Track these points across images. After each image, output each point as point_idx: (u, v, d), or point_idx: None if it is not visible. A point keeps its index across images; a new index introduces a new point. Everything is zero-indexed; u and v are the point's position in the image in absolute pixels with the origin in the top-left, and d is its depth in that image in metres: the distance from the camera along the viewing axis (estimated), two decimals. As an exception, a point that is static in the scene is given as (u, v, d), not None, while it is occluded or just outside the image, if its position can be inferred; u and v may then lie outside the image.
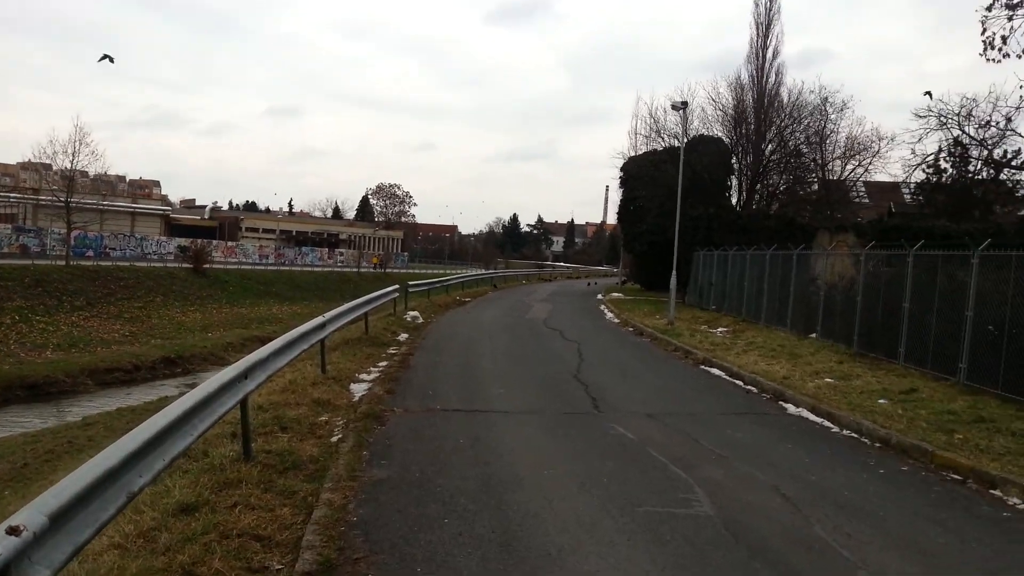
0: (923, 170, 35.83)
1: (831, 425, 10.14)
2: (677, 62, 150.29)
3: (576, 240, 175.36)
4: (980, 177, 33.72)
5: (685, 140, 26.96)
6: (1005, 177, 33.55)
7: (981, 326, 12.10)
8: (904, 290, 14.94)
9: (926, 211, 35.92)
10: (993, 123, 24.99)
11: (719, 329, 22.83)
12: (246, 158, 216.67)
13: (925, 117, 27.59)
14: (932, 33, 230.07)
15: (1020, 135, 25.15)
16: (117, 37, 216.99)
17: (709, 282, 29.81)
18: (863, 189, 43.95)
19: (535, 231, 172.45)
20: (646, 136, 50.49)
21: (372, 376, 12.93)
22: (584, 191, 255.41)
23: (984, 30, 22.04)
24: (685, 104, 23.42)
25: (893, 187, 44.30)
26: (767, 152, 36.40)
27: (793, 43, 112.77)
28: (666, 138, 39.80)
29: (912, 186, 36.61)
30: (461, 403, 10.64)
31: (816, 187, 38.50)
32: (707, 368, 15.02)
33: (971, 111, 26.02)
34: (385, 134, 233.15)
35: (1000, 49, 22.30)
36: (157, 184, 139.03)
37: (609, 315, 28.96)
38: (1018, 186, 33.62)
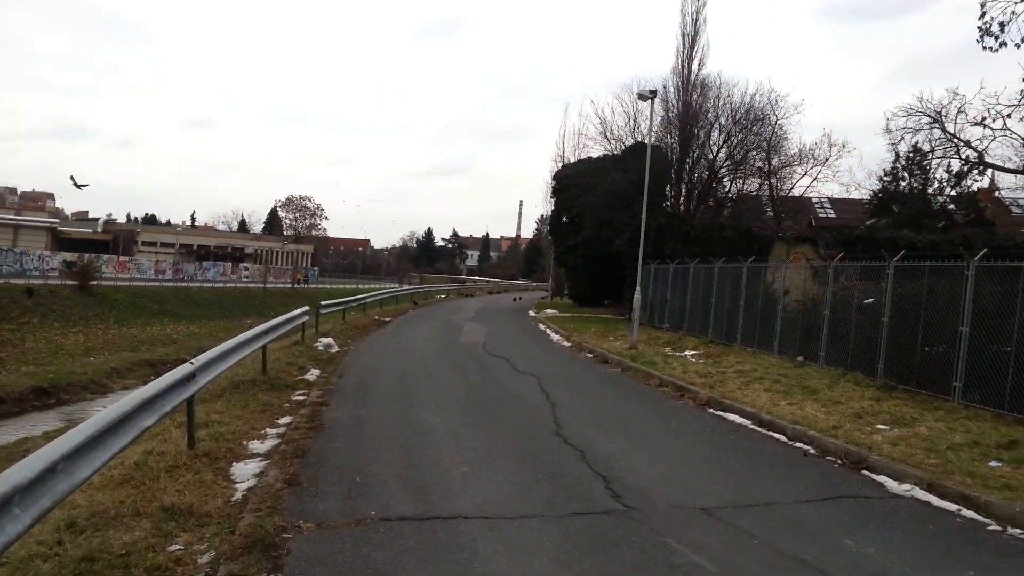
0: (880, 179, 33.98)
1: (974, 515, 6.70)
2: (600, 80, 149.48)
3: (491, 254, 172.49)
4: (941, 186, 31.93)
5: (651, 135, 23.55)
6: (963, 188, 31.85)
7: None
8: (961, 311, 11.82)
9: (882, 221, 33.91)
10: (986, 123, 22.55)
11: (688, 352, 19.53)
12: (156, 171, 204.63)
13: (914, 115, 25.02)
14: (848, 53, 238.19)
15: (1017, 135, 22.75)
16: (20, 44, 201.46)
17: (663, 298, 26.61)
18: (818, 199, 42.03)
19: (450, 245, 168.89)
20: (575, 146, 47.57)
21: (267, 446, 8.82)
22: (500, 206, 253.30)
23: (983, 14, 19.73)
24: (654, 93, 20.11)
25: (853, 202, 42.61)
26: (717, 159, 33.60)
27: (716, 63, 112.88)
28: (612, 141, 36.51)
29: (870, 196, 34.59)
30: (409, 501, 6.69)
31: (767, 196, 36.01)
32: (720, 413, 11.49)
33: (962, 107, 23.59)
34: (302, 147, 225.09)
35: (998, 37, 20.04)
36: (51, 196, 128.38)
37: (555, 336, 25.31)
38: (974, 199, 31.89)
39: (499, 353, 19.00)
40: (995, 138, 24.16)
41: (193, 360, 8.24)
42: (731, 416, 11.15)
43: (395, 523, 6.08)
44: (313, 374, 14.42)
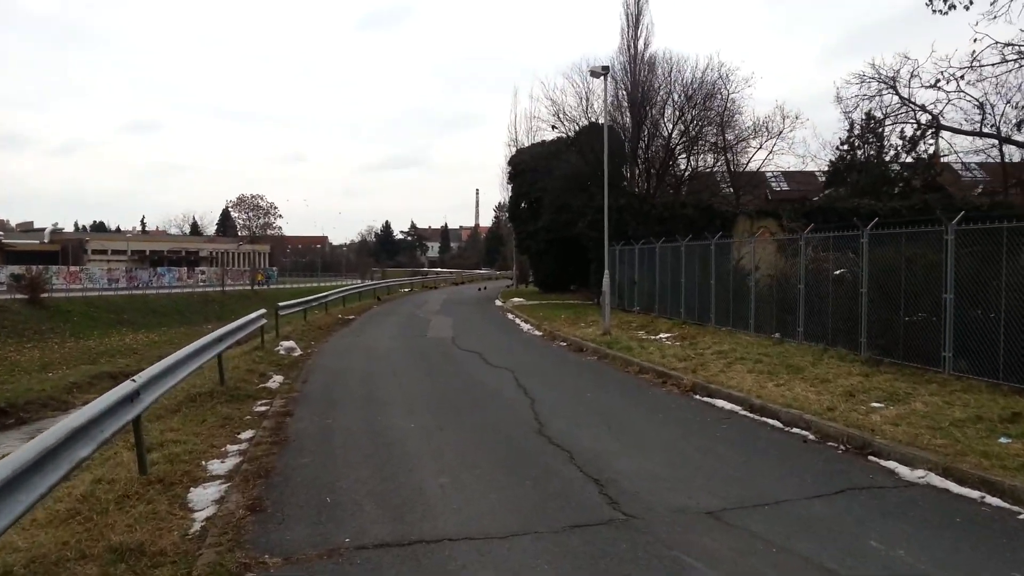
0: (836, 148, 33.93)
1: (1000, 502, 6.25)
2: (548, 63, 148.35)
3: (451, 245, 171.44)
4: (896, 153, 31.91)
5: (607, 113, 22.94)
6: (918, 154, 31.87)
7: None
8: (944, 277, 11.46)
9: (840, 191, 33.88)
10: (940, 84, 22.37)
11: (662, 335, 19.09)
12: (100, 177, 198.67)
13: (866, 81, 24.78)
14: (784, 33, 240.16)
15: (971, 97, 22.62)
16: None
17: (632, 280, 26.18)
18: (771, 173, 41.97)
19: (409, 238, 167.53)
20: (527, 130, 46.79)
21: (228, 465, 8.08)
22: (457, 196, 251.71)
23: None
24: (606, 69, 19.50)
25: (806, 175, 42.54)
26: (672, 136, 33.18)
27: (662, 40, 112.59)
28: (566, 123, 35.87)
29: (826, 166, 34.58)
30: (386, 523, 6.02)
31: (725, 171, 35.77)
32: (707, 400, 10.99)
33: (914, 71, 23.41)
34: (252, 146, 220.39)
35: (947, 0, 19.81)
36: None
37: (525, 326, 24.71)
38: (930, 163, 31.93)
39: (470, 347, 18.34)
40: (949, 101, 24.13)
41: (135, 377, 7.45)
42: (719, 402, 10.65)
43: (372, 551, 5.43)
44: (275, 381, 13.63)
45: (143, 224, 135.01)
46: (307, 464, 7.86)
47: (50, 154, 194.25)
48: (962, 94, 22.51)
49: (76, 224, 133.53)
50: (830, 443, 8.32)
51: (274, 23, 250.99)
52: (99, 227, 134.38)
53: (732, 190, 37.06)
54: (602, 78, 19.87)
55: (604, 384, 12.80)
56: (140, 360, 35.78)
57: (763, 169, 37.18)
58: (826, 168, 37.57)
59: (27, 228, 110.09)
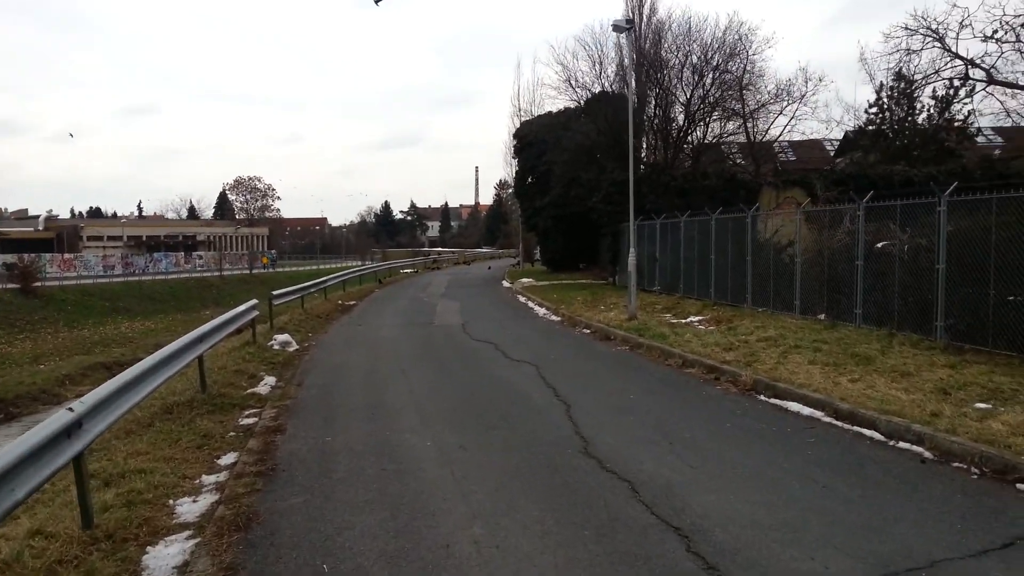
0: (865, 111, 31.93)
1: None
2: (547, 38, 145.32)
3: (452, 224, 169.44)
4: (929, 115, 29.94)
5: (633, 72, 20.99)
6: (951, 114, 29.87)
7: None
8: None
9: (870, 158, 31.92)
10: (996, 37, 20.40)
11: (692, 319, 17.38)
12: (98, 163, 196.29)
13: (911, 34, 22.76)
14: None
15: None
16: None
17: (652, 257, 24.40)
18: (777, 144, 39.93)
19: (408, 217, 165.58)
20: (531, 101, 44.69)
21: (200, 507, 6.41)
22: (456, 174, 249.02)
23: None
24: (631, 23, 17.54)
25: (810, 143, 40.50)
26: (692, 102, 31.13)
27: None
28: (578, 90, 33.87)
29: (852, 130, 32.59)
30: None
31: (738, 142, 33.78)
32: (776, 402, 9.25)
33: (963, 20, 21.43)
34: (249, 128, 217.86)
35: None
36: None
37: (539, 310, 22.97)
38: (966, 124, 29.92)
39: (483, 336, 16.62)
40: (1002, 54, 22.17)
41: (74, 405, 5.73)
42: (792, 405, 8.92)
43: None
44: (267, 384, 11.93)
45: (140, 209, 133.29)
46: (299, 507, 6.17)
47: (46, 140, 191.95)
48: (1021, 44, 20.48)
49: (72, 211, 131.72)
50: (955, 464, 6.60)
51: (270, 3, 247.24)
52: (95, 213, 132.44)
53: (745, 160, 35.12)
54: (625, 34, 17.94)
55: (646, 382, 11.07)
56: (136, 349, 34.43)
57: (782, 138, 35.13)
58: (842, 136, 35.58)
59: (21, 216, 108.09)
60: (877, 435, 7.51)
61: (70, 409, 5.61)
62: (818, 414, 8.41)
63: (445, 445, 7.84)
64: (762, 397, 9.55)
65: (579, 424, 8.46)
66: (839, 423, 8.06)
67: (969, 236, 11.33)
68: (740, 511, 5.64)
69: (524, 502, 6.03)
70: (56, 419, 5.48)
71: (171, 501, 6.60)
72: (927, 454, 6.87)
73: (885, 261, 13.47)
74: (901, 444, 7.20)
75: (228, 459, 7.85)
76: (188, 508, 6.46)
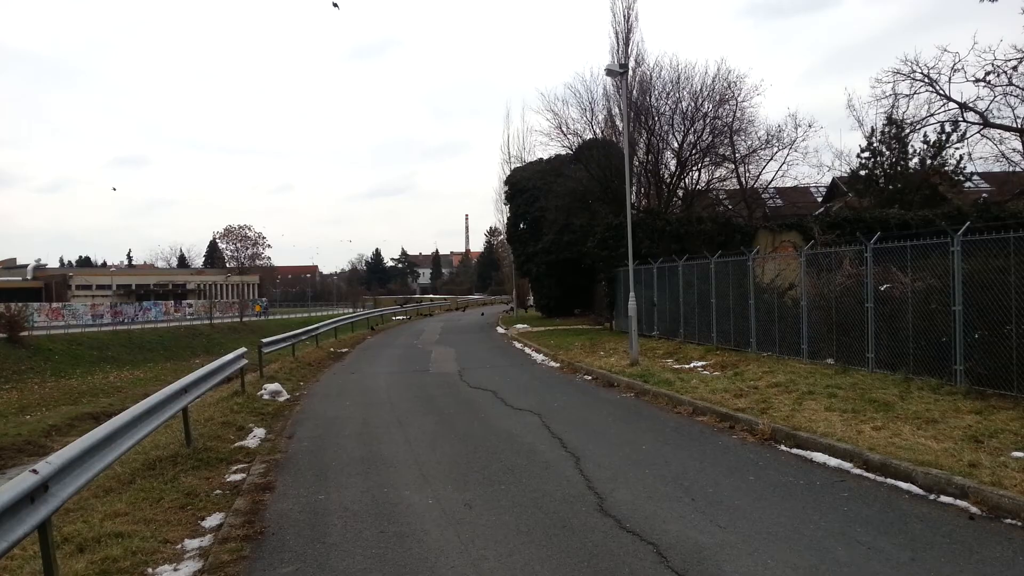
0: (858, 155, 31.92)
1: None
2: (534, 89, 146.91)
3: (443, 270, 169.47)
4: (921, 159, 29.96)
5: (627, 115, 20.77)
6: (943, 158, 29.93)
7: None
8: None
9: (863, 202, 31.83)
10: (988, 80, 20.38)
11: (696, 364, 16.86)
12: (88, 214, 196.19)
13: (903, 79, 22.75)
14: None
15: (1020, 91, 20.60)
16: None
17: (650, 302, 23.94)
18: (764, 190, 39.87)
19: (399, 265, 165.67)
20: (520, 148, 44.74)
21: (180, 579, 5.81)
22: (446, 222, 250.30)
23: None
24: (624, 67, 17.34)
25: (797, 189, 40.47)
26: (683, 147, 31.07)
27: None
28: (568, 136, 33.78)
29: (839, 177, 32.52)
30: None
31: (736, 185, 33.67)
32: (798, 452, 8.70)
33: (954, 64, 21.43)
34: (240, 178, 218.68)
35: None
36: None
37: (537, 356, 22.39)
38: (959, 168, 29.94)
39: (481, 384, 16.04)
40: (994, 99, 22.14)
41: (39, 466, 5.14)
42: (816, 456, 8.37)
43: None
44: (256, 437, 11.31)
45: (129, 258, 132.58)
46: (290, 577, 5.57)
47: (37, 191, 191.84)
48: (1012, 88, 20.44)
49: (62, 260, 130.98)
50: (1007, 520, 6.07)
51: (261, 57, 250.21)
52: (84, 262, 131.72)
53: (736, 205, 34.97)
54: (618, 77, 17.76)
55: (657, 432, 10.50)
56: (124, 399, 33.66)
57: (772, 184, 35.06)
58: (830, 182, 35.59)
59: (10, 265, 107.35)
60: (915, 488, 6.97)
61: (34, 471, 5.04)
62: (846, 465, 7.87)
63: (448, 503, 7.24)
64: (783, 447, 9.00)
65: (591, 478, 7.88)
66: (870, 475, 7.51)
67: (984, 277, 10.93)
68: (780, 579, 5.07)
69: (540, 569, 5.44)
70: (18, 482, 4.91)
71: (150, 570, 6.01)
72: (974, 509, 6.33)
73: (895, 304, 13.06)
74: (943, 498, 6.66)
75: (213, 520, 7.24)
76: (167, 579, 5.85)
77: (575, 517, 6.60)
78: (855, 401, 10.87)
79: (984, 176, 36.30)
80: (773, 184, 35.69)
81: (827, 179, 37.77)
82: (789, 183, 35.66)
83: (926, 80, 23.03)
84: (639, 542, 5.91)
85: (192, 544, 6.60)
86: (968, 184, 35.20)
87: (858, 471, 7.68)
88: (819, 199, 41.39)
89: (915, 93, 24.06)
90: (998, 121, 22.90)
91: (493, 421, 11.72)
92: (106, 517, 7.29)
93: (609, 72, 17.14)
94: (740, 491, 7.25)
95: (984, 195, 35.72)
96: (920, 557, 5.38)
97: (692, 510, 6.69)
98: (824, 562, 5.35)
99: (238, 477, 8.85)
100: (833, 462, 8.02)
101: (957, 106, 23.24)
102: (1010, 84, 20.71)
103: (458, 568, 5.54)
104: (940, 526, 6.02)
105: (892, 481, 7.25)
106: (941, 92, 23.11)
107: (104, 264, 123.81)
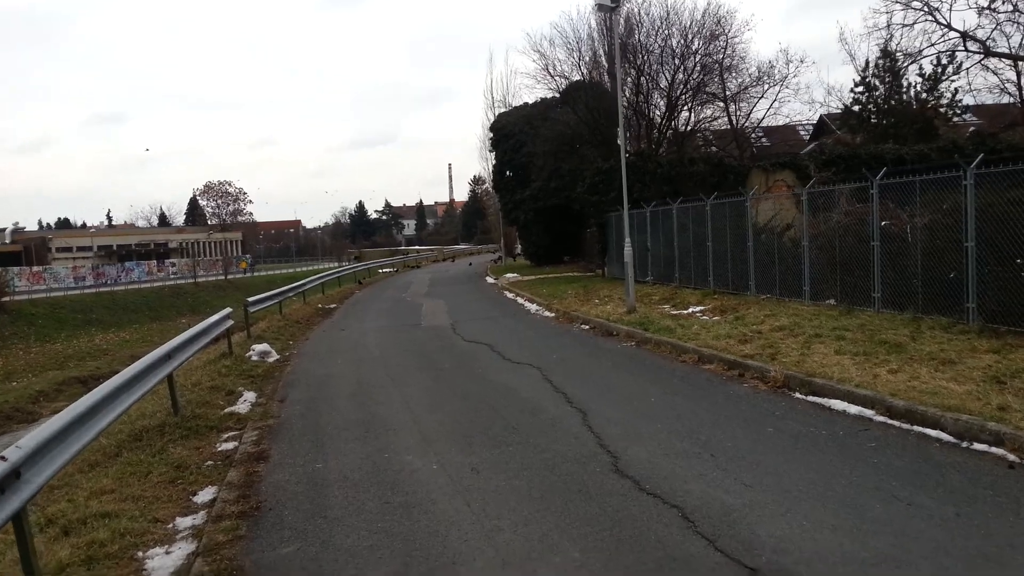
0: (851, 90, 31.24)
1: None
2: (521, 29, 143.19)
3: (428, 221, 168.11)
4: (916, 92, 29.34)
5: (618, 52, 20.02)
6: (939, 92, 29.33)
7: None
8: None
9: (856, 138, 31.26)
10: (994, 7, 19.70)
11: (694, 309, 16.52)
12: (66, 174, 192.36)
13: (901, 8, 22.01)
14: None
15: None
16: None
17: (643, 247, 23.49)
18: (751, 129, 39.20)
19: (384, 217, 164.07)
20: (504, 94, 43.72)
21: (174, 561, 5.42)
22: (430, 171, 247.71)
23: None
24: (616, 2, 16.52)
25: (784, 128, 39.78)
26: (674, 86, 30.27)
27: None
28: (556, 78, 32.89)
29: (841, 110, 31.83)
30: None
31: (727, 122, 33.00)
32: (815, 399, 8.37)
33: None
34: (220, 134, 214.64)
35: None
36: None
37: (531, 306, 21.99)
38: (954, 101, 29.38)
39: (476, 338, 15.63)
40: (997, 25, 21.47)
41: (7, 452, 4.67)
42: (835, 403, 8.02)
43: None
44: (246, 401, 10.87)
45: (109, 219, 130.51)
46: (291, 558, 5.17)
47: (12, 153, 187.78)
48: (1017, 14, 19.78)
49: (40, 222, 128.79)
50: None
51: (237, 6, 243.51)
52: (63, 224, 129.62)
53: (727, 146, 34.35)
54: (609, 12, 16.97)
55: (664, 382, 10.13)
56: (111, 361, 33.27)
57: (763, 122, 34.40)
58: (817, 119, 34.97)
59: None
60: (945, 436, 6.63)
61: (2, 458, 4.56)
62: (868, 412, 7.52)
63: (454, 468, 6.86)
64: (798, 395, 8.65)
65: (601, 436, 7.51)
66: (896, 423, 7.16)
67: (998, 210, 10.51)
68: (822, 542, 4.72)
69: (560, 540, 5.06)
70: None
71: (140, 553, 5.60)
72: (1011, 457, 5.99)
73: (901, 242, 12.66)
74: (976, 446, 6.32)
75: (206, 495, 6.83)
76: (160, 562, 5.45)
77: (590, 479, 6.23)
78: (865, 343, 10.52)
79: (978, 109, 35.77)
80: (764, 123, 35.07)
81: (817, 116, 37.11)
82: (780, 121, 35.08)
83: (926, 9, 22.30)
84: (662, 505, 5.54)
85: (184, 523, 6.20)
86: (961, 117, 34.73)
87: (881, 418, 7.34)
88: (806, 138, 40.77)
89: (914, 23, 23.28)
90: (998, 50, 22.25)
91: (492, 376, 11.32)
92: (92, 495, 6.87)
93: (600, 7, 16.36)
94: (761, 444, 6.90)
95: (972, 127, 35.25)
96: (965, 512, 5.03)
97: (713, 467, 6.32)
98: (864, 521, 4.99)
99: (230, 446, 8.44)
100: (853, 409, 7.68)
101: (959, 35, 22.55)
102: (1015, 11, 20.03)
103: (472, 542, 5.16)
104: (980, 477, 5.68)
105: (919, 428, 6.91)
106: (942, 21, 22.39)
107: (84, 225, 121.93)
